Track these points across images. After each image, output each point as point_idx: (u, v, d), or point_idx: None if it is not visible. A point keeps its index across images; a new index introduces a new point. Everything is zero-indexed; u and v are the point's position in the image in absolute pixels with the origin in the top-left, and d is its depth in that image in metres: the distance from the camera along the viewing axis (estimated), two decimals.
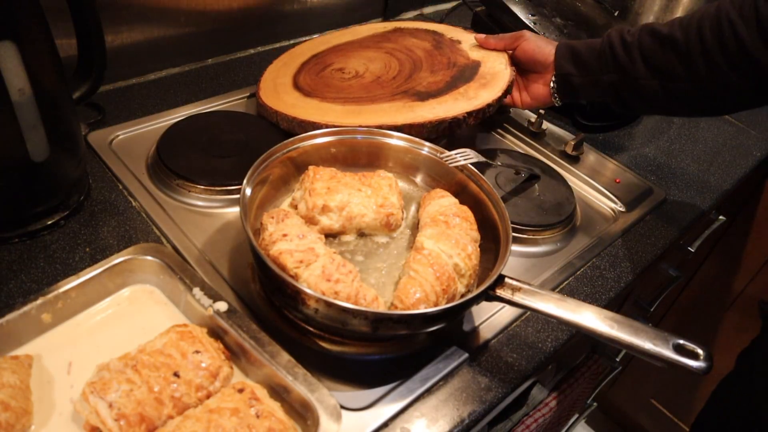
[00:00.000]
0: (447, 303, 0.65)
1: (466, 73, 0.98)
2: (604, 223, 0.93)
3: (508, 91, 0.94)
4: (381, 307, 0.62)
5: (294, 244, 0.64)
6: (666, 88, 0.81)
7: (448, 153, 0.80)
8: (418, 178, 0.84)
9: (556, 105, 0.94)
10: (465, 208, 0.74)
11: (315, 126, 0.87)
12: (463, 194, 0.78)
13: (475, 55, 1.02)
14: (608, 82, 0.85)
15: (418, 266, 0.65)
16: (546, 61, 0.92)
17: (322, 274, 0.61)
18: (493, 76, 0.96)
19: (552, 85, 0.91)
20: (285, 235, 0.65)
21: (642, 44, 0.81)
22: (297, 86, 0.98)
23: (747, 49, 0.73)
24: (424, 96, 0.93)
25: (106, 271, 0.64)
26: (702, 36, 0.76)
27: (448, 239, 0.68)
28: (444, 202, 0.75)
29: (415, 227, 0.77)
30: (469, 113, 0.86)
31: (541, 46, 0.93)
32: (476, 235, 0.72)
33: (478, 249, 0.70)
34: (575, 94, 0.90)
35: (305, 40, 1.15)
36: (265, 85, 0.99)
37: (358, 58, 1.05)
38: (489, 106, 0.90)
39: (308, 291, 0.57)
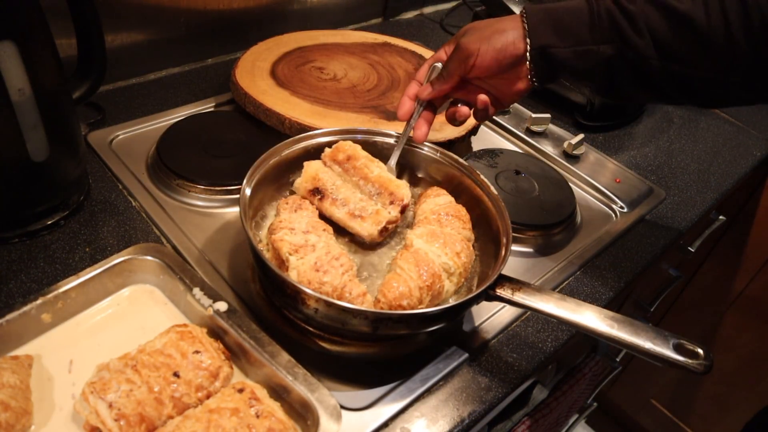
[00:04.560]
0: (432, 300, 0.65)
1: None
2: (604, 223, 0.93)
3: (473, 132, 0.95)
4: (366, 304, 0.62)
5: (297, 238, 0.65)
6: (674, 73, 0.68)
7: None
8: (418, 178, 0.84)
9: (535, 87, 0.74)
10: (459, 207, 0.74)
11: (279, 117, 0.88)
12: (463, 194, 0.77)
13: None
14: (604, 55, 0.68)
15: (404, 263, 0.65)
16: (517, 49, 0.70)
17: (312, 265, 0.62)
18: None
19: (527, 64, 0.71)
20: (292, 229, 0.65)
21: (649, 18, 0.66)
22: (273, 74, 0.98)
23: None
24: (391, 116, 0.94)
25: (106, 271, 0.64)
26: (727, 19, 0.63)
27: (437, 238, 0.69)
28: (439, 200, 0.75)
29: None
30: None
31: (503, 38, 0.70)
32: (469, 234, 0.72)
33: (471, 248, 0.71)
34: (557, 70, 0.72)
35: None
36: (244, 64, 0.99)
37: (340, 61, 1.06)
38: (450, 141, 0.90)
39: (308, 291, 0.57)
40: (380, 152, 0.82)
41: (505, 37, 0.70)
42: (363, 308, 0.59)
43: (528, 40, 0.69)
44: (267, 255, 0.66)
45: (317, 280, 0.61)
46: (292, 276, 0.62)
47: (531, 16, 0.70)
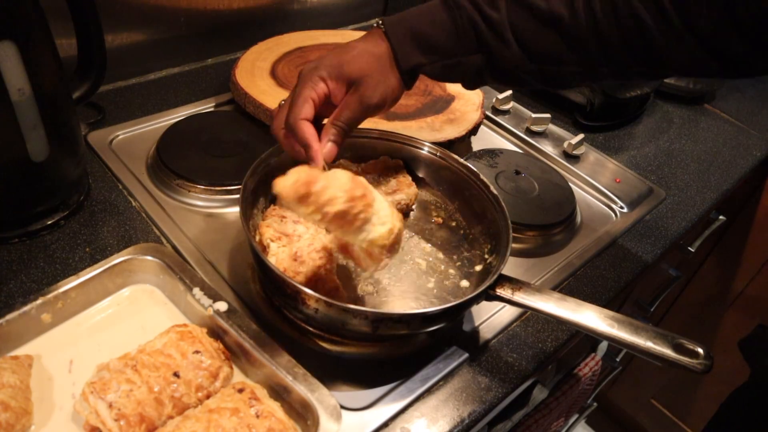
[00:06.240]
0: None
1: (438, 104, 0.99)
2: (604, 223, 0.93)
3: (473, 132, 0.95)
4: (337, 300, 0.59)
5: (285, 227, 0.65)
6: (547, 72, 0.67)
7: None
8: (418, 178, 0.84)
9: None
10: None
11: None
12: (463, 193, 0.77)
13: (452, 89, 1.03)
14: (474, 65, 0.67)
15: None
16: (397, 82, 0.67)
17: (292, 254, 0.62)
18: (463, 114, 0.97)
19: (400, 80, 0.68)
20: (283, 217, 0.65)
21: (515, 25, 0.64)
22: (273, 74, 0.99)
23: (653, 41, 0.60)
24: (391, 116, 0.94)
25: (106, 271, 0.64)
26: (594, 16, 0.61)
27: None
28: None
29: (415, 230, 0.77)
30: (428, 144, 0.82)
31: (393, 77, 0.66)
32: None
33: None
34: (422, 75, 0.70)
35: None
36: (244, 64, 0.99)
37: None
38: (450, 141, 0.90)
39: (308, 291, 0.57)
40: (378, 152, 0.82)
41: (392, 75, 0.66)
42: (363, 308, 0.59)
43: (399, 65, 0.66)
44: (255, 240, 0.66)
45: (292, 269, 0.61)
46: (273, 262, 0.62)
47: (393, 35, 0.65)
